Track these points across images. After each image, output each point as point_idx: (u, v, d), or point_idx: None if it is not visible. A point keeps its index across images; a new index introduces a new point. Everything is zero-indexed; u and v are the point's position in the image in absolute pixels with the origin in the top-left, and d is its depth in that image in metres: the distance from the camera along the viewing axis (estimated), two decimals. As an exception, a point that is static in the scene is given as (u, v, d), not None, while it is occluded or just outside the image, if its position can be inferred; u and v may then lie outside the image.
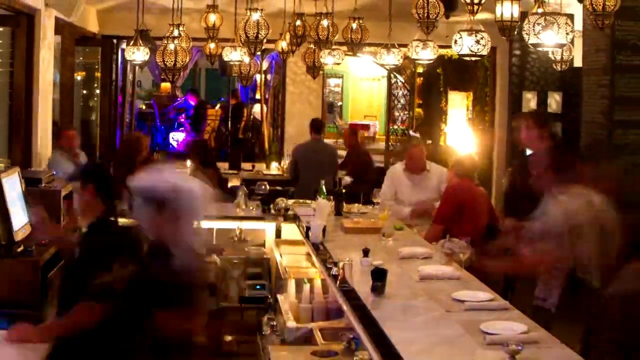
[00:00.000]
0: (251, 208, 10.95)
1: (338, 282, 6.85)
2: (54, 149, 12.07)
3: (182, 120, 23.19)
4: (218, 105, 24.38)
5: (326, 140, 15.92)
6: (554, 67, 13.23)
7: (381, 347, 5.30)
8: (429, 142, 17.59)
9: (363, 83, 24.65)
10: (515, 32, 9.45)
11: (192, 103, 23.61)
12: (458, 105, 19.48)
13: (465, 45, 8.53)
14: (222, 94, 24.43)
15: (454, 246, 8.50)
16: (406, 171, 11.17)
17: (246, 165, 16.37)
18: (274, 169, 16.27)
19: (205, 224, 10.15)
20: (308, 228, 9.08)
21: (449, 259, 7.92)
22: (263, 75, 21.47)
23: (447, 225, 9.54)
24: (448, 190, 10.29)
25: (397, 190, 11.13)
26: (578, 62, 13.04)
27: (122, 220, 6.66)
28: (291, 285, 8.22)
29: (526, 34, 7.50)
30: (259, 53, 12.55)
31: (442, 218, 9.87)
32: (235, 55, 12.49)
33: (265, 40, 10.89)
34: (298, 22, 11.92)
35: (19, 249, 5.70)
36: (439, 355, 5.20)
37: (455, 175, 10.16)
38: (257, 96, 22.84)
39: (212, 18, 11.95)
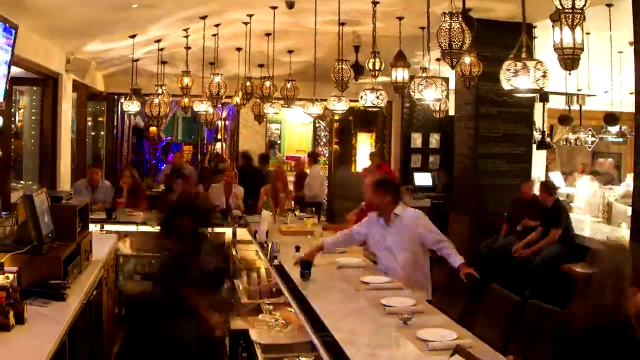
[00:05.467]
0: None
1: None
2: (80, 178, 12.10)
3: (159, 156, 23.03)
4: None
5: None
6: (434, 115, 13.38)
7: (309, 316, 5.33)
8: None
9: (295, 127, 24.62)
10: (405, 90, 9.56)
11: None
12: (364, 142, 19.55)
13: (369, 99, 8.59)
14: (194, 135, 24.32)
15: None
16: None
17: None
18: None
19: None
20: (255, 231, 9.11)
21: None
22: (223, 121, 21.38)
23: None
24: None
25: None
26: (452, 112, 13.17)
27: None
28: (244, 273, 8.22)
29: (412, 91, 7.57)
30: (220, 105, 12.54)
31: None
32: (202, 106, 12.47)
33: (224, 96, 10.99)
34: (248, 83, 11.93)
35: (46, 248, 5.68)
36: (351, 322, 5.22)
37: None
38: (219, 136, 22.75)
39: (186, 80, 11.94)
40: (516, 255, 10.35)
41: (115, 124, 16.73)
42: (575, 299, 4.17)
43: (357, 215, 10.37)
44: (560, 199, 11.52)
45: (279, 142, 24.68)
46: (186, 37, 11.17)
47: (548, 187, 10.64)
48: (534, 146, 12.71)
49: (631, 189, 8.11)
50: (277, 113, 13.43)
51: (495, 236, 11.10)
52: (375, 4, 8.31)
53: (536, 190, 11.34)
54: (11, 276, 5.13)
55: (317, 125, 22.28)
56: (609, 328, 3.88)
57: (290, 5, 9.59)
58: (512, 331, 5.36)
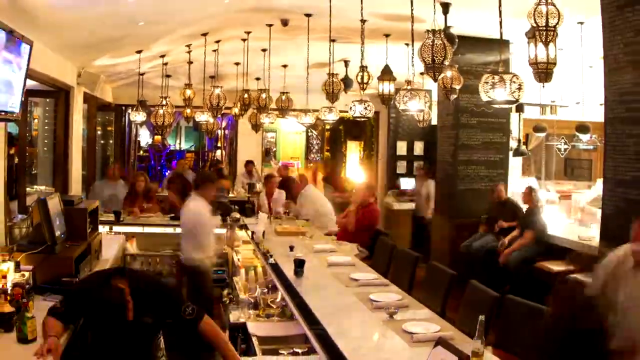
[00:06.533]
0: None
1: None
2: (92, 182, 12.40)
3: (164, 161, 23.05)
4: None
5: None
6: (418, 124, 13.37)
7: (302, 311, 5.37)
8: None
9: (290, 135, 24.57)
10: (392, 102, 9.58)
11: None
12: (354, 150, 19.61)
13: (358, 110, 8.59)
14: (195, 143, 24.33)
15: (362, 251, 8.84)
16: None
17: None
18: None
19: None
20: (253, 232, 9.12)
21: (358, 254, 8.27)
22: (223, 130, 21.38)
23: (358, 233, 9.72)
24: (374, 212, 10.39)
25: None
26: (434, 121, 13.17)
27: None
28: (242, 271, 8.22)
29: (398, 103, 7.59)
30: (219, 116, 12.55)
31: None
32: (203, 117, 12.48)
33: (223, 107, 10.99)
34: (245, 95, 11.93)
35: (59, 248, 5.70)
36: (341, 316, 5.27)
37: (370, 197, 10.35)
38: (219, 144, 22.73)
39: (188, 92, 11.93)
40: (501, 250, 10.37)
41: (122, 132, 16.78)
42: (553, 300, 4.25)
43: (348, 216, 10.42)
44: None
45: (274, 149, 24.71)
46: (188, 52, 11.19)
47: (531, 191, 10.74)
48: (511, 153, 12.73)
49: (601, 192, 8.14)
50: (272, 123, 13.44)
51: (472, 237, 11.12)
52: (363, 22, 8.32)
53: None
54: (27, 274, 5.16)
55: (309, 134, 22.33)
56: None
57: (285, 23, 9.63)
58: (490, 323, 5.38)
